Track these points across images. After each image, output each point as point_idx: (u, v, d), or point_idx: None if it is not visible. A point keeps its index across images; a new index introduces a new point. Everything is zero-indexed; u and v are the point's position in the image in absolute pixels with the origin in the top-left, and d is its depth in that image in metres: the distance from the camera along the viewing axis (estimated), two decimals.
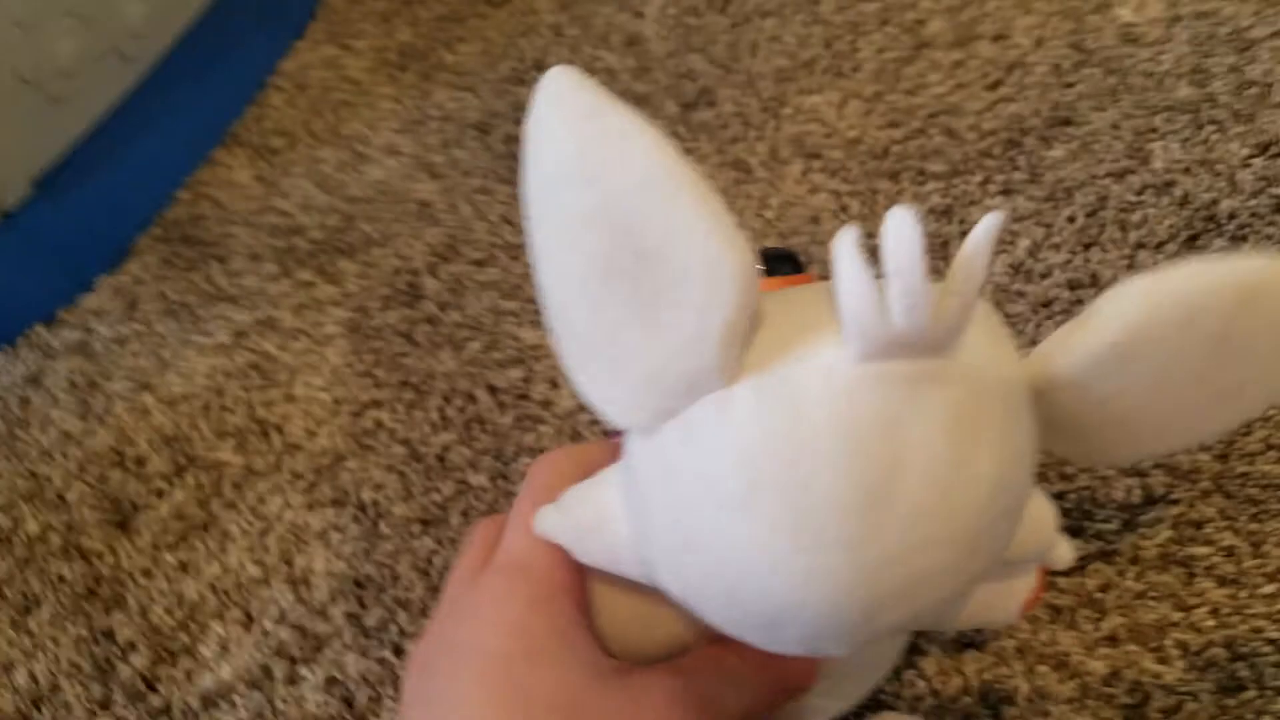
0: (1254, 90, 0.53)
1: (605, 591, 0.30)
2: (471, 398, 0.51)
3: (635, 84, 0.65)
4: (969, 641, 0.39)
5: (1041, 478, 0.42)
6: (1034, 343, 0.46)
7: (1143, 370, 0.24)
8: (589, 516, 0.28)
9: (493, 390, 0.51)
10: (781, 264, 0.39)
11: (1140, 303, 0.23)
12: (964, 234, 0.50)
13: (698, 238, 0.22)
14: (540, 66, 0.68)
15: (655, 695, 0.27)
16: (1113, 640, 0.38)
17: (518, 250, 0.57)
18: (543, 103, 0.23)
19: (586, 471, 0.29)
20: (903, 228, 0.20)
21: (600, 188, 0.22)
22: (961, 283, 0.21)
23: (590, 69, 0.66)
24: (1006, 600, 0.33)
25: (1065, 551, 0.31)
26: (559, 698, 0.26)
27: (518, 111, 0.66)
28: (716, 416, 0.23)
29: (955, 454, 0.22)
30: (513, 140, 0.64)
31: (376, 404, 0.52)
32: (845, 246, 0.21)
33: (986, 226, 0.21)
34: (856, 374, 0.22)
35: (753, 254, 0.22)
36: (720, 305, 0.22)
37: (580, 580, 0.29)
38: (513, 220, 0.59)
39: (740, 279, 0.22)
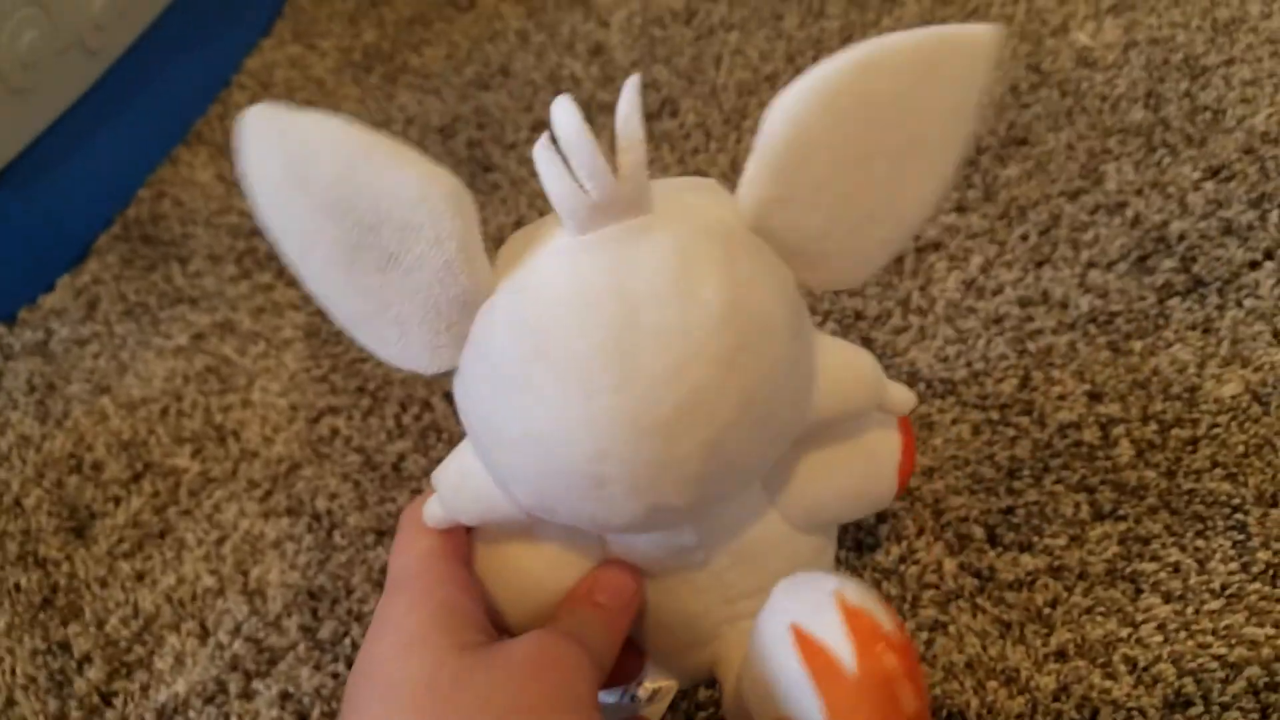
0: (1206, 115, 0.54)
1: (492, 569, 0.34)
2: (428, 405, 0.51)
3: (599, 92, 0.65)
4: (919, 657, 0.40)
5: (989, 492, 0.43)
6: (985, 359, 0.47)
7: (818, 167, 0.27)
8: (454, 476, 0.32)
9: (449, 398, 0.51)
10: None
11: (783, 110, 0.26)
12: (919, 250, 0.51)
13: (403, 188, 0.25)
14: (505, 72, 0.68)
15: (513, 656, 0.29)
16: (1061, 655, 0.39)
17: None
18: (246, 136, 0.27)
19: None
20: (564, 114, 0.25)
21: (311, 187, 0.26)
22: (627, 141, 0.25)
23: (556, 76, 0.67)
24: (876, 466, 0.35)
25: (900, 394, 0.34)
26: (422, 682, 0.28)
27: (481, 116, 0.66)
28: (486, 321, 0.27)
29: (679, 286, 0.26)
30: (475, 145, 0.64)
31: (333, 410, 0.52)
32: (540, 149, 0.26)
33: (630, 85, 0.25)
34: (578, 245, 0.26)
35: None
36: (447, 233, 0.26)
37: (456, 574, 0.32)
38: None
39: (450, 203, 0.26)
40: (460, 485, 0.32)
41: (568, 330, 0.26)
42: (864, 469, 0.35)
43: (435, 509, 0.33)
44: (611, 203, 0.26)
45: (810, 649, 0.27)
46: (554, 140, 0.26)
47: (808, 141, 0.27)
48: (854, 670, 0.26)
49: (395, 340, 0.29)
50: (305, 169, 0.26)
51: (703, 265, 0.26)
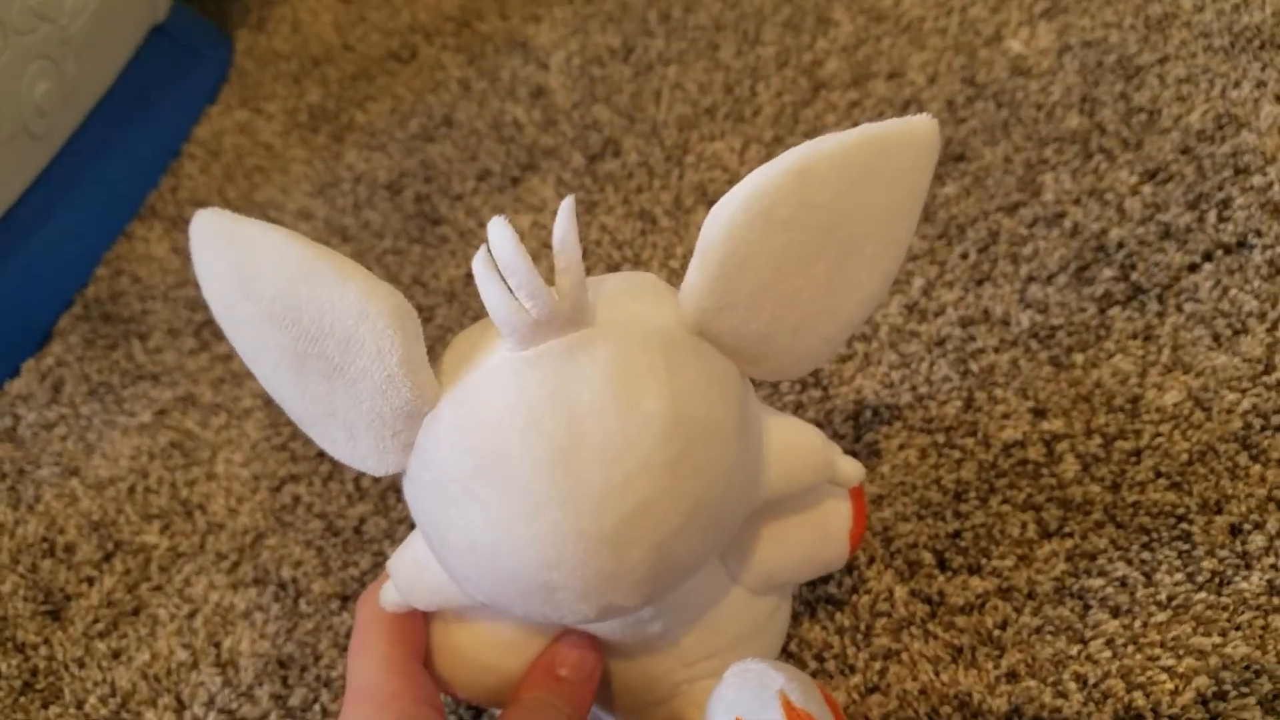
0: (1141, 117, 0.55)
1: (448, 651, 0.35)
2: None
3: (542, 136, 0.66)
4: (874, 686, 0.40)
5: (937, 516, 0.43)
6: (929, 382, 0.47)
7: (759, 274, 0.28)
8: (409, 568, 0.32)
9: None
10: None
11: (720, 222, 0.27)
12: None
13: (346, 303, 0.26)
14: (449, 122, 0.68)
15: None
16: (1013, 677, 0.39)
17: (431, 311, 0.58)
18: (195, 244, 0.28)
19: None
20: (500, 235, 0.25)
21: (257, 296, 0.27)
22: (564, 261, 0.26)
23: (499, 123, 0.67)
24: (828, 534, 0.36)
25: (849, 468, 0.34)
26: None
27: (428, 169, 0.66)
28: (431, 432, 0.28)
29: (621, 400, 0.26)
30: (423, 199, 0.65)
31: (294, 478, 0.53)
32: (479, 267, 0.26)
33: (564, 209, 0.25)
34: (519, 361, 0.27)
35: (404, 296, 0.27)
36: (388, 347, 0.26)
37: (414, 681, 0.33)
38: (424, 281, 0.60)
39: (391, 318, 0.26)
40: (416, 576, 0.32)
41: (511, 446, 0.26)
42: (816, 538, 0.36)
43: (391, 594, 0.33)
44: (551, 320, 0.26)
45: None
46: (491, 254, 0.26)
47: (746, 252, 0.27)
48: None
49: (344, 442, 0.29)
50: (252, 279, 0.27)
51: (644, 377, 0.27)
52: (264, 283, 0.26)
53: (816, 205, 0.28)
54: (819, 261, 0.29)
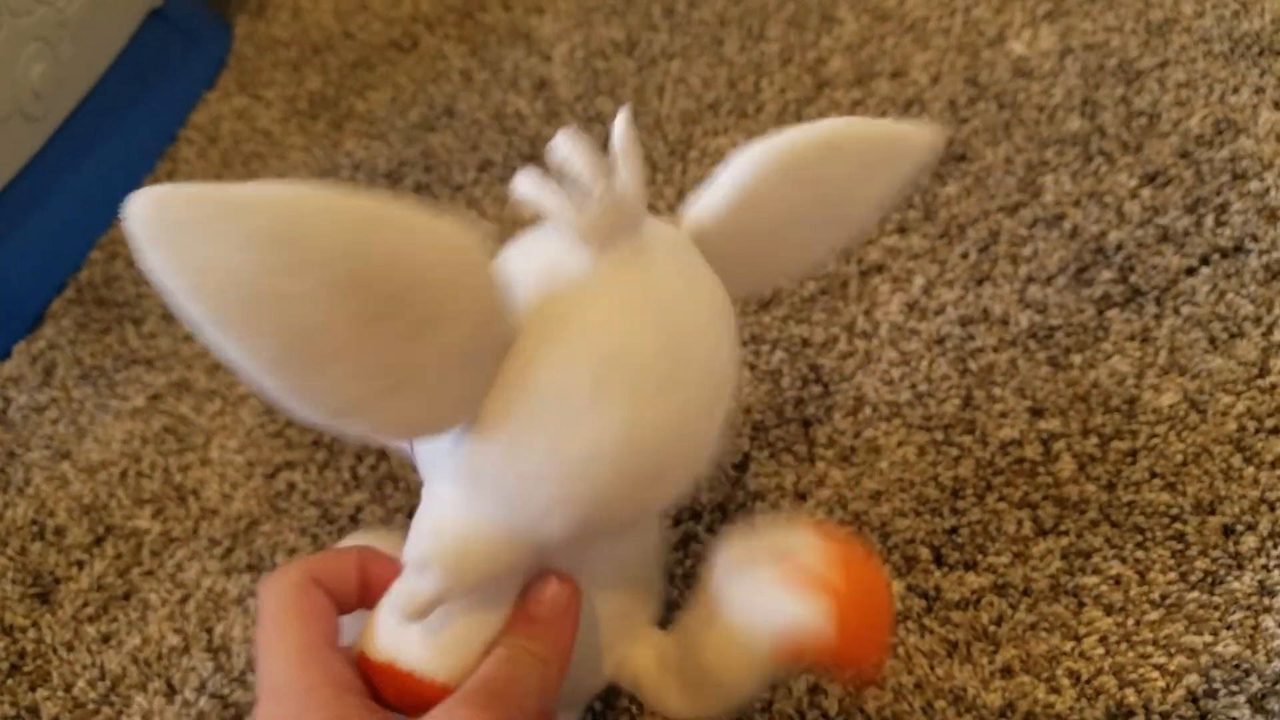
0: (1141, 120, 0.55)
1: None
2: (383, 455, 0.51)
3: (545, 128, 0.66)
4: (870, 680, 0.40)
5: (934, 513, 0.43)
6: (928, 380, 0.47)
7: (762, 214, 0.31)
8: (454, 545, 0.29)
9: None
10: None
11: (748, 165, 0.30)
12: (863, 274, 0.52)
13: (431, 245, 0.24)
14: (450, 112, 0.68)
15: None
16: (1007, 672, 0.39)
17: None
18: (190, 230, 0.21)
19: (322, 579, 0.31)
20: (569, 146, 0.27)
21: (307, 269, 0.22)
22: (630, 163, 0.27)
23: (500, 114, 0.67)
24: None
25: None
26: None
27: (428, 159, 0.66)
28: (527, 357, 0.26)
29: (693, 290, 0.29)
30: (422, 188, 0.64)
31: (289, 465, 0.52)
32: (530, 183, 0.27)
33: (621, 116, 0.28)
34: (605, 266, 0.27)
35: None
36: (483, 282, 0.25)
37: (328, 671, 0.30)
38: None
39: (484, 251, 0.25)
40: (464, 549, 0.29)
41: (631, 343, 0.27)
42: None
43: (426, 590, 0.28)
44: (631, 220, 0.27)
45: (804, 578, 0.30)
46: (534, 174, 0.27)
47: (760, 200, 0.30)
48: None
49: (418, 408, 0.26)
50: (295, 250, 0.22)
51: (695, 271, 0.29)
52: (317, 249, 0.22)
53: (831, 178, 0.31)
54: (804, 225, 0.32)
